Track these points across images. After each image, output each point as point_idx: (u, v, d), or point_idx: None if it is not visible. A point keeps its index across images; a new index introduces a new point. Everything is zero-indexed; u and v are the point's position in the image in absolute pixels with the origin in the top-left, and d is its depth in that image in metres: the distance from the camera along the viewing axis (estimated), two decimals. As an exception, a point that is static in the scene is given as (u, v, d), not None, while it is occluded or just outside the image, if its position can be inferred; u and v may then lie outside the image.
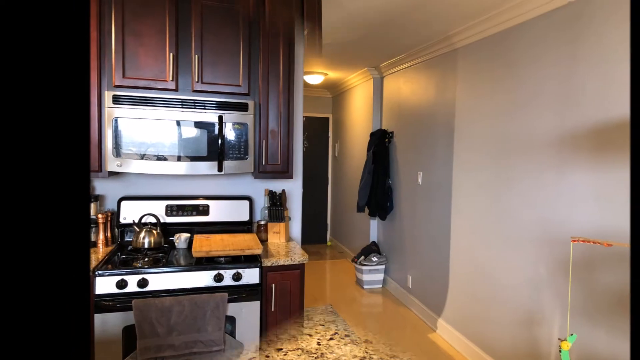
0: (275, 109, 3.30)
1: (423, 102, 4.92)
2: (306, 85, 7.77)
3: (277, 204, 3.57)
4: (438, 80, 4.60)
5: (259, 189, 3.72)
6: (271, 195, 3.58)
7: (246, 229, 3.57)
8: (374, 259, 5.91)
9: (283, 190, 3.63)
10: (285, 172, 3.39)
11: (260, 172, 3.33)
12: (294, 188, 3.84)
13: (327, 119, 8.55)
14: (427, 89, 4.84)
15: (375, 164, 5.77)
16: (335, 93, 8.12)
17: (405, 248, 5.42)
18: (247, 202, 3.58)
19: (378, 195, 5.76)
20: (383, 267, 5.94)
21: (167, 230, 3.37)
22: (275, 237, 3.55)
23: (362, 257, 6.02)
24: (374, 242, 6.26)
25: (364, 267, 5.89)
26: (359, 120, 6.92)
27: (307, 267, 6.91)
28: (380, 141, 5.83)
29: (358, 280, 6.12)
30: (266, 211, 3.58)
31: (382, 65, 5.83)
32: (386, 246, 6.03)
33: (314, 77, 6.69)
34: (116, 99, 2.91)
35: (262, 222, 3.58)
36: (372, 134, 6.07)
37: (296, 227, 3.86)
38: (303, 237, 8.59)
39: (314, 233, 8.60)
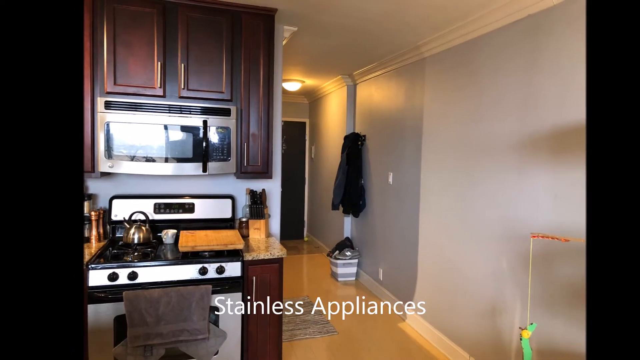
0: (255, 114, 3.37)
1: (393, 108, 5.04)
2: (284, 91, 7.84)
3: (257, 202, 3.63)
4: (407, 87, 4.71)
5: (240, 188, 3.77)
6: (252, 194, 3.64)
7: (229, 225, 3.62)
8: (348, 253, 6.00)
9: (263, 190, 3.69)
10: (265, 173, 3.46)
11: (242, 172, 3.39)
12: (273, 187, 3.90)
13: (304, 123, 8.61)
14: (397, 95, 4.95)
15: (349, 165, 5.86)
16: (312, 99, 8.20)
17: (376, 243, 5.52)
18: (229, 201, 3.63)
19: (351, 194, 5.85)
20: (356, 261, 6.04)
21: (156, 226, 3.40)
22: (256, 233, 3.61)
23: (337, 252, 6.10)
24: (347, 238, 6.37)
25: (338, 261, 5.98)
26: (333, 124, 7.00)
27: (286, 261, 6.97)
28: (353, 144, 5.92)
29: (333, 273, 6.21)
30: (247, 209, 3.64)
31: (355, 73, 5.93)
32: (359, 241, 6.13)
33: (292, 84, 6.76)
34: (108, 105, 2.95)
35: (244, 219, 3.63)
36: (345, 137, 6.16)
37: (275, 223, 3.93)
38: (282, 233, 8.65)
39: (292, 229, 8.66)
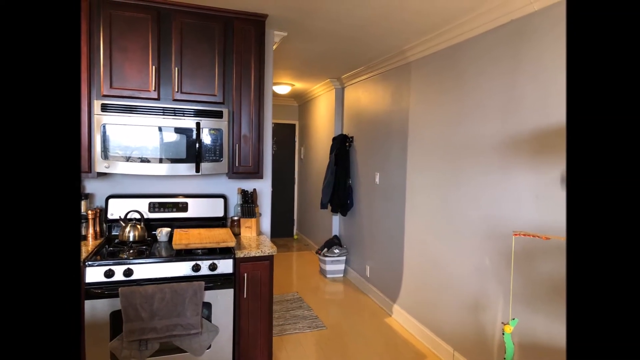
0: (247, 116, 3.37)
1: (380, 110, 5.07)
2: (275, 94, 7.86)
3: (248, 202, 3.64)
4: (393, 90, 4.75)
5: (232, 188, 3.78)
6: (243, 193, 3.65)
7: (221, 224, 3.62)
8: (336, 251, 6.03)
9: (254, 189, 3.70)
10: (256, 173, 3.47)
11: (234, 172, 3.39)
12: (263, 187, 3.91)
13: (294, 125, 8.63)
14: (383, 98, 4.98)
15: (337, 165, 5.89)
16: (301, 102, 8.23)
17: (364, 241, 5.56)
18: (222, 200, 3.64)
19: (339, 194, 5.88)
20: (344, 258, 6.07)
21: (150, 225, 3.40)
22: (247, 231, 3.62)
23: (325, 249, 6.13)
24: (336, 236, 6.39)
25: (326, 259, 6.01)
26: (322, 126, 7.03)
27: (276, 258, 6.99)
28: (341, 145, 5.95)
29: (322, 270, 6.23)
30: (239, 208, 3.65)
31: (344, 76, 5.96)
32: (347, 239, 6.17)
33: (282, 87, 6.78)
34: (104, 107, 2.95)
35: (235, 218, 3.64)
36: (334, 139, 6.18)
37: (266, 222, 3.94)
38: (272, 231, 8.66)
39: (282, 227, 8.68)
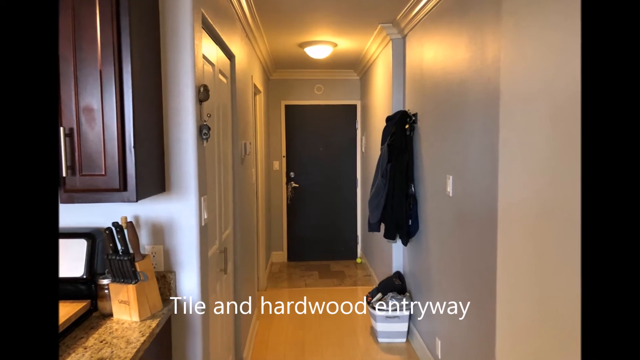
0: (89, 63, 1.54)
1: (452, 67, 2.94)
2: (314, 63, 5.88)
3: (118, 249, 1.79)
4: (470, 29, 2.62)
5: (117, 215, 1.96)
6: (113, 230, 1.81)
7: (82, 291, 1.84)
8: (392, 301, 3.93)
9: (129, 223, 1.82)
10: (117, 190, 1.62)
11: (69, 190, 1.59)
12: (179, 211, 2.03)
13: (355, 106, 6.62)
14: (458, 44, 2.85)
15: (392, 161, 3.82)
16: (361, 72, 6.18)
17: (432, 289, 3.43)
18: (84, 244, 1.87)
19: (394, 208, 3.79)
20: (406, 313, 3.92)
21: None
22: (123, 310, 1.78)
23: (379, 295, 4.07)
24: (398, 274, 4.28)
25: (377, 312, 3.92)
26: (379, 102, 4.96)
27: (317, 293, 4.98)
28: (398, 128, 3.86)
29: (372, 328, 4.20)
30: (108, 262, 1.81)
31: (400, 16, 3.86)
32: (412, 281, 4.01)
33: (319, 48, 4.83)
34: None
35: (105, 282, 1.83)
36: (388, 119, 4.09)
37: (190, 281, 2.06)
38: (327, 252, 6.70)
39: (341, 246, 6.71)
